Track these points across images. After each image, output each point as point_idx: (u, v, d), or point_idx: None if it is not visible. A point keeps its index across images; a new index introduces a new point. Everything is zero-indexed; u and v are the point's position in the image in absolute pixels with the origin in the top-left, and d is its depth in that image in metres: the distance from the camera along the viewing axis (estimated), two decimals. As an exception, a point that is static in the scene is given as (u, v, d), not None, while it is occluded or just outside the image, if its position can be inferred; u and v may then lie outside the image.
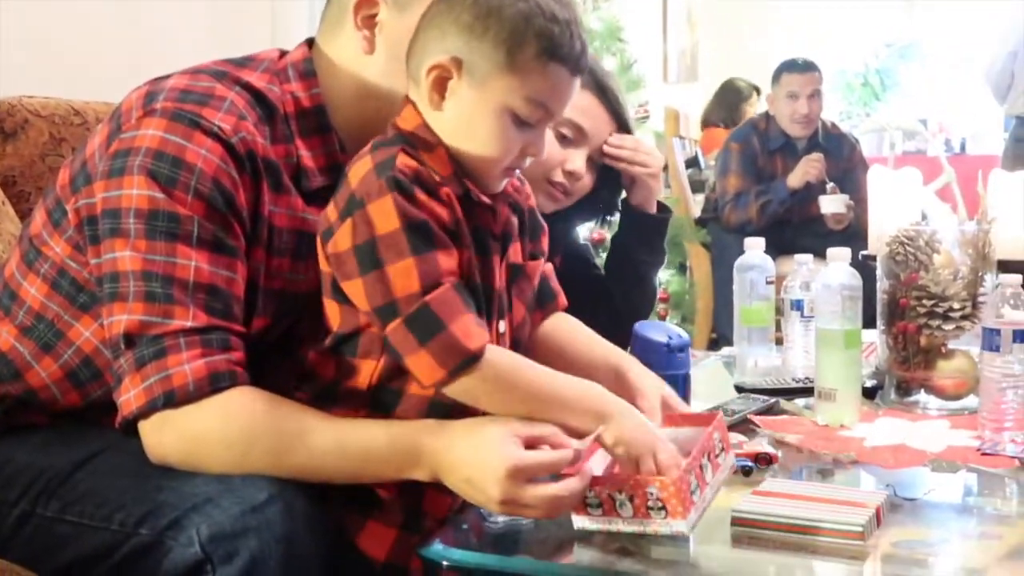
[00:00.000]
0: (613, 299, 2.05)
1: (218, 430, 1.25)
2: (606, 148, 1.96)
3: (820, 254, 1.93)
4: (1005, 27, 5.31)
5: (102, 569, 1.26)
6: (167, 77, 1.39)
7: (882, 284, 1.85)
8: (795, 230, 4.28)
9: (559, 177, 1.92)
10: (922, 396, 1.81)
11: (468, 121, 1.31)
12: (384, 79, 1.41)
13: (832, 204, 4.20)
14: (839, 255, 1.76)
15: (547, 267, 1.54)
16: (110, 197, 1.30)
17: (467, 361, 1.23)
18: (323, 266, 1.33)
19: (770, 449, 1.52)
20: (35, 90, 1.91)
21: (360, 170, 1.29)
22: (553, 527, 1.26)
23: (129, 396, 1.26)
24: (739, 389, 1.93)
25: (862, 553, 1.21)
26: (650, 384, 1.46)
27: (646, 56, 5.15)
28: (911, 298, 1.78)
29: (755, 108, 5.76)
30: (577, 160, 1.93)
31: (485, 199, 1.34)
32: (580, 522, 1.25)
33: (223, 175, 1.31)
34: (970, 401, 1.76)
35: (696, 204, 5.09)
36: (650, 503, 1.20)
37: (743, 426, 1.69)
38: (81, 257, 1.37)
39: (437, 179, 1.28)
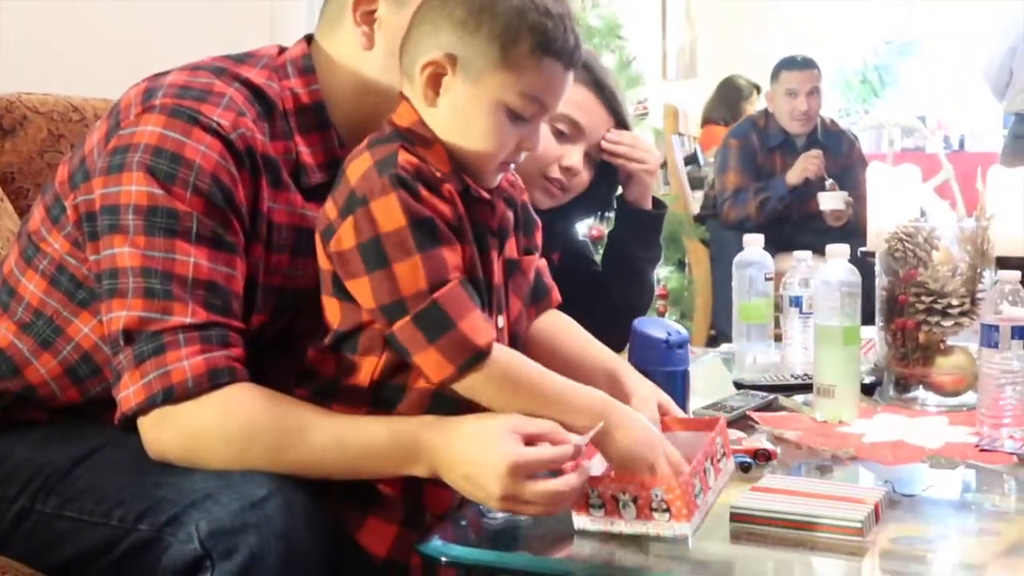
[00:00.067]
0: (611, 296, 2.05)
1: (217, 426, 1.25)
2: (604, 144, 1.96)
3: (819, 251, 1.93)
4: (1004, 24, 5.31)
5: (101, 565, 1.26)
6: (166, 73, 1.39)
7: (881, 280, 1.85)
8: (794, 227, 4.28)
9: (556, 173, 1.92)
10: (921, 392, 1.82)
11: (463, 117, 1.31)
12: (383, 75, 1.41)
13: (831, 201, 4.20)
14: (838, 252, 1.76)
15: (541, 262, 1.54)
16: (109, 193, 1.30)
17: (475, 358, 1.23)
18: (322, 263, 1.32)
19: (769, 445, 1.53)
20: (34, 86, 1.90)
21: (359, 167, 1.28)
22: (552, 523, 1.26)
23: (128, 392, 1.26)
24: (738, 385, 1.93)
25: (861, 549, 1.22)
26: (646, 389, 1.46)
27: (645, 53, 5.15)
28: (910, 294, 1.78)
29: (755, 107, 5.76)
30: (574, 156, 1.93)
31: (484, 194, 1.34)
32: (581, 522, 1.25)
33: (222, 171, 1.31)
34: (968, 397, 1.76)
35: (695, 201, 5.10)
36: (654, 505, 1.20)
37: (742, 422, 1.70)
38: (80, 253, 1.37)
39: (438, 175, 1.28)
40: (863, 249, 2.06)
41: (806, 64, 4.52)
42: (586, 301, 1.85)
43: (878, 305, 1.85)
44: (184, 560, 1.18)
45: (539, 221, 1.53)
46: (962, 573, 1.23)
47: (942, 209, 2.11)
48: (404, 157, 1.27)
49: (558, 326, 1.55)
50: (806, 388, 1.83)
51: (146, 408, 1.25)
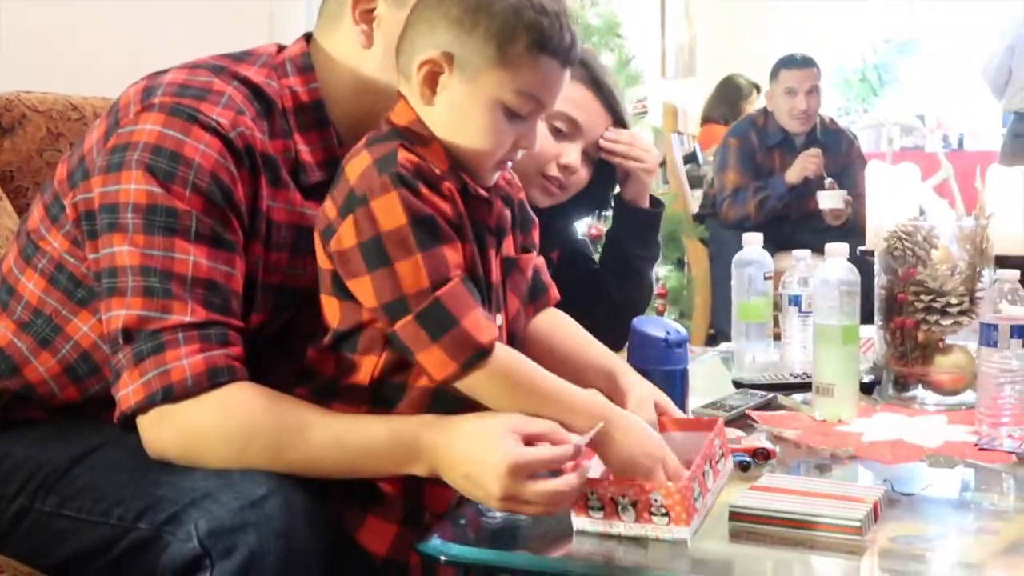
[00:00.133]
0: (610, 294, 2.04)
1: (216, 425, 1.25)
2: (602, 142, 1.96)
3: (818, 250, 1.93)
4: (1003, 23, 5.31)
5: (100, 564, 1.26)
6: (165, 72, 1.39)
7: (880, 279, 1.85)
8: (793, 226, 4.28)
9: (553, 171, 1.91)
10: (920, 391, 1.82)
11: (460, 115, 1.31)
12: (382, 73, 1.41)
13: (830, 200, 4.20)
14: (837, 251, 1.76)
15: (539, 260, 1.54)
16: (108, 192, 1.30)
17: (478, 355, 1.23)
18: (321, 263, 1.32)
19: (768, 444, 1.53)
20: (33, 85, 1.90)
21: (358, 166, 1.28)
22: (551, 522, 1.26)
23: (127, 391, 1.26)
24: (737, 384, 1.93)
25: (859, 548, 1.22)
26: (643, 390, 1.46)
27: (644, 52, 5.15)
28: (909, 293, 1.78)
29: (754, 106, 5.76)
30: (572, 154, 1.92)
31: (482, 193, 1.34)
32: (580, 523, 1.25)
33: (221, 170, 1.30)
34: (967, 396, 1.76)
35: (694, 200, 5.10)
36: (653, 509, 1.21)
37: (741, 421, 1.70)
38: (79, 252, 1.37)
39: (438, 173, 1.28)
40: (862, 248, 2.06)
41: (805, 63, 4.52)
42: (585, 300, 1.84)
43: (877, 304, 1.85)
44: (183, 559, 1.18)
45: (536, 219, 1.53)
46: (961, 572, 1.23)
47: (941, 208, 2.11)
48: (404, 155, 1.27)
49: (556, 324, 1.55)
50: (805, 387, 1.83)
51: (145, 407, 1.25)
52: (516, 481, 1.18)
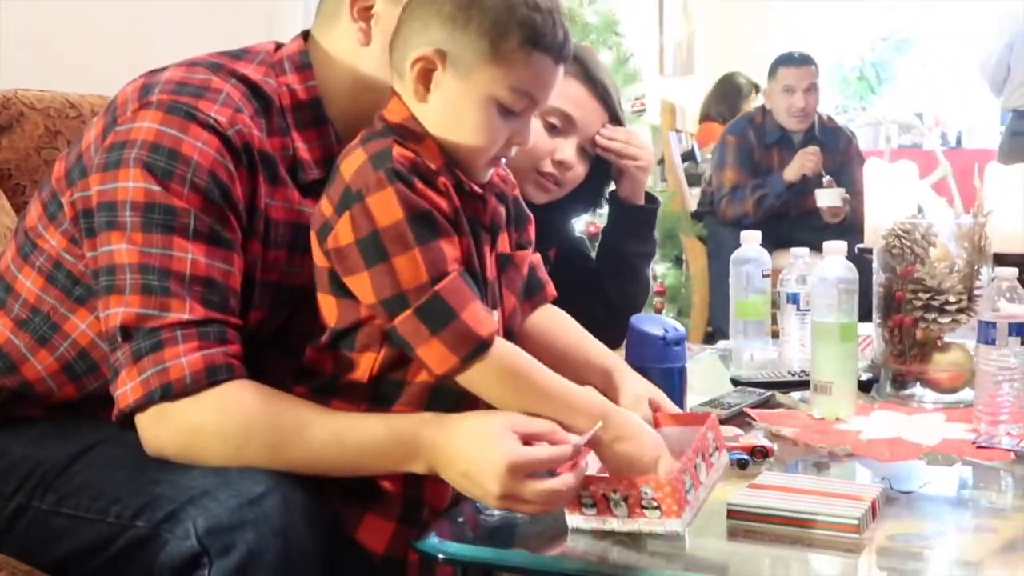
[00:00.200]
0: (607, 292, 2.04)
1: (215, 423, 1.25)
2: (598, 139, 1.95)
3: (816, 247, 1.93)
4: (1002, 20, 5.31)
5: (98, 562, 1.26)
6: (163, 70, 1.39)
7: (878, 277, 1.85)
8: (791, 224, 4.28)
9: (549, 167, 1.91)
10: (918, 389, 1.82)
11: (454, 112, 1.31)
12: (380, 71, 1.40)
13: (828, 197, 4.20)
14: (835, 248, 1.76)
15: (535, 257, 1.54)
16: (106, 190, 1.30)
17: (479, 348, 1.24)
18: (318, 261, 1.32)
19: (766, 442, 1.53)
20: (31, 83, 1.90)
21: (353, 163, 1.28)
22: (548, 520, 1.26)
23: (126, 389, 1.26)
24: (735, 382, 1.93)
25: (858, 546, 1.22)
26: (639, 387, 1.46)
27: (642, 49, 5.14)
28: (907, 291, 1.78)
29: (753, 106, 5.75)
30: (567, 150, 1.92)
31: (477, 189, 1.34)
32: (574, 521, 1.25)
33: (219, 167, 1.30)
34: (966, 394, 1.76)
35: (692, 198, 5.09)
36: (644, 502, 1.20)
37: (739, 419, 1.70)
38: (77, 250, 1.37)
39: (433, 168, 1.28)
40: (860, 246, 2.06)
41: (803, 60, 4.52)
42: (583, 297, 1.84)
43: (875, 302, 1.86)
44: (181, 557, 1.18)
45: (531, 216, 1.53)
46: (959, 570, 1.24)
47: (939, 206, 2.12)
48: (399, 151, 1.27)
49: (552, 321, 1.55)
50: (803, 385, 1.84)
51: (144, 405, 1.25)
52: (514, 480, 1.18)
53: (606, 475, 1.26)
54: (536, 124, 1.79)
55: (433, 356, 1.24)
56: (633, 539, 1.23)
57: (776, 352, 2.11)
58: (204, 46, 1.48)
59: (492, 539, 1.29)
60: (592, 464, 1.29)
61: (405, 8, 1.33)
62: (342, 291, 1.30)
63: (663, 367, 1.59)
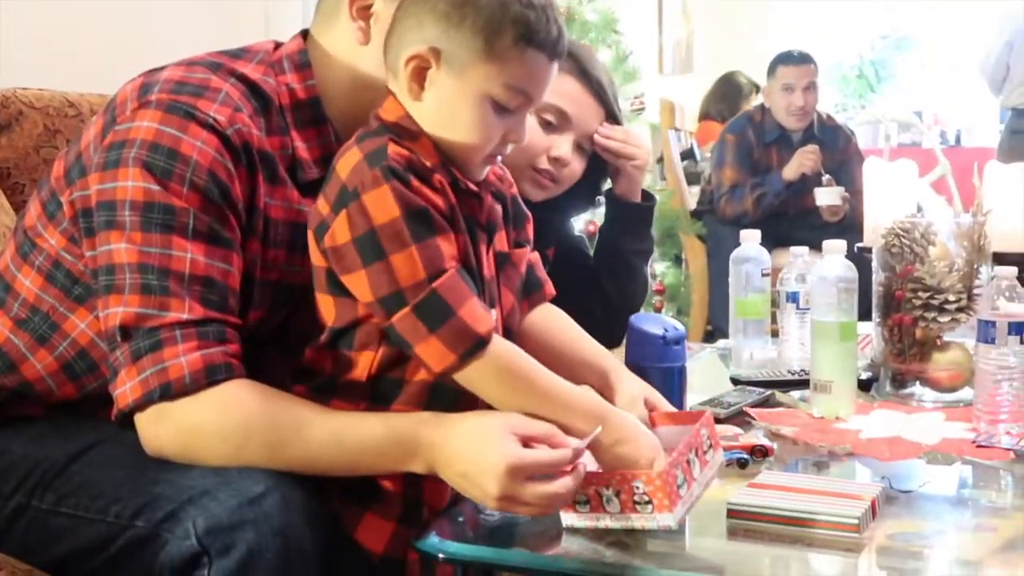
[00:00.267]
0: (606, 290, 2.04)
1: (214, 422, 1.25)
2: (596, 138, 1.95)
3: (816, 246, 1.93)
4: (1001, 19, 5.31)
5: (98, 562, 1.26)
6: (162, 69, 1.39)
7: (878, 276, 1.85)
8: (791, 222, 4.28)
9: (544, 164, 1.90)
10: (917, 388, 1.82)
11: (449, 110, 1.31)
12: (379, 70, 1.40)
13: (828, 196, 4.19)
14: (835, 247, 1.76)
15: (533, 256, 1.54)
16: (105, 189, 1.30)
17: (477, 346, 1.24)
18: (315, 261, 1.32)
19: (766, 441, 1.53)
20: (30, 82, 1.90)
21: (349, 161, 1.28)
22: (548, 520, 1.26)
23: (125, 388, 1.26)
24: (735, 381, 1.93)
25: (857, 545, 1.22)
26: (635, 387, 1.46)
27: (641, 48, 5.13)
28: (907, 290, 1.78)
29: (753, 105, 5.75)
30: (563, 146, 1.91)
31: (472, 187, 1.34)
32: (568, 519, 1.25)
33: (218, 167, 1.30)
34: (965, 393, 1.76)
35: (692, 196, 5.09)
36: (636, 497, 1.20)
37: (739, 418, 1.70)
38: (76, 249, 1.36)
39: (428, 166, 1.28)
40: (860, 245, 2.06)
41: (803, 59, 4.52)
42: (582, 296, 1.84)
43: (875, 301, 1.86)
44: (181, 557, 1.18)
45: (530, 214, 1.53)
46: (959, 569, 1.23)
47: (939, 204, 2.12)
48: (394, 149, 1.27)
49: (550, 320, 1.55)
50: (803, 384, 1.84)
51: (143, 404, 1.25)
52: (513, 482, 1.18)
53: (598, 471, 1.26)
54: (531, 121, 1.79)
55: (431, 354, 1.24)
56: (633, 539, 1.23)
57: (776, 351, 2.11)
58: (202, 45, 1.48)
59: (492, 539, 1.29)
60: (589, 464, 1.28)
61: (400, 6, 1.33)
62: (340, 290, 1.30)
63: (663, 366, 1.59)
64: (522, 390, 1.27)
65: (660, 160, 5.21)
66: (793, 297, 2.07)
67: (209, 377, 1.25)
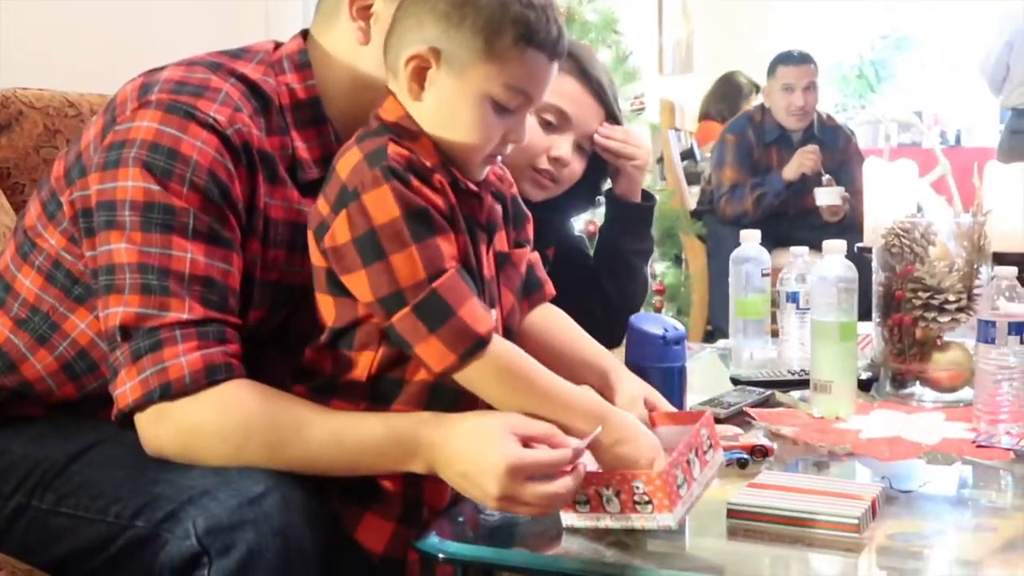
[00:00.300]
0: (606, 290, 2.04)
1: (214, 422, 1.25)
2: (596, 139, 1.95)
3: (816, 246, 1.93)
4: (1001, 19, 5.31)
5: (98, 562, 1.26)
6: (162, 69, 1.39)
7: (878, 276, 1.85)
8: (791, 222, 4.28)
9: (544, 164, 1.90)
10: (917, 388, 1.82)
11: (449, 110, 1.31)
12: (379, 70, 1.40)
13: (828, 196, 4.19)
14: (835, 247, 1.76)
15: (533, 256, 1.54)
16: (105, 189, 1.30)
17: (477, 346, 1.23)
18: (315, 261, 1.32)
19: (766, 441, 1.53)
20: (29, 82, 1.90)
21: (349, 161, 1.28)
22: (548, 520, 1.26)
23: (125, 388, 1.26)
24: (735, 381, 1.93)
25: (857, 545, 1.22)
26: (634, 387, 1.46)
27: (641, 48, 5.13)
28: (907, 290, 1.78)
29: (753, 105, 5.75)
30: (562, 146, 1.91)
31: (472, 187, 1.34)
32: (568, 519, 1.25)
33: (218, 167, 1.30)
34: (965, 393, 1.76)
35: (692, 196, 5.09)
36: (636, 497, 1.20)
37: (739, 418, 1.70)
38: (76, 249, 1.36)
39: (428, 166, 1.28)
40: (860, 245, 2.06)
41: (803, 59, 4.52)
42: (582, 296, 1.84)
43: (875, 301, 1.86)
44: (181, 557, 1.18)
45: (530, 214, 1.53)
46: (959, 569, 1.23)
47: (939, 204, 2.12)
48: (394, 149, 1.27)
49: (550, 320, 1.55)
50: (803, 384, 1.83)
51: (143, 404, 1.25)
52: (513, 482, 1.18)
53: (598, 471, 1.26)
54: (531, 121, 1.79)
55: (431, 354, 1.24)
56: (633, 539, 1.23)
57: (776, 351, 2.11)
58: (203, 45, 1.48)
59: (492, 539, 1.29)
60: (589, 464, 1.28)
61: (400, 6, 1.33)
62: (339, 290, 1.30)
63: (663, 366, 1.59)
64: (522, 390, 1.27)
65: (660, 160, 5.20)
66: (793, 297, 2.07)
67: (209, 377, 1.25)
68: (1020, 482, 1.49)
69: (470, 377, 1.26)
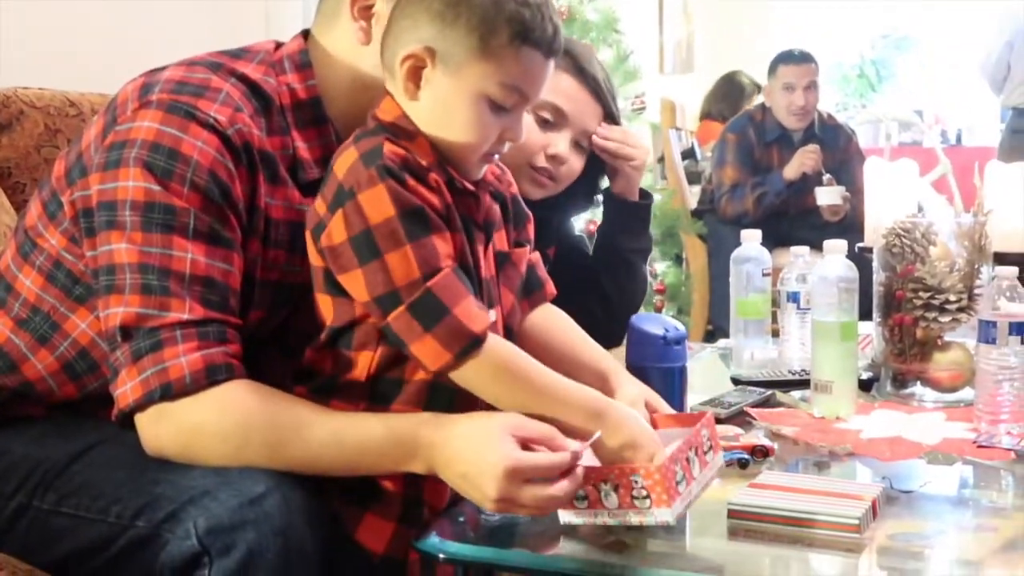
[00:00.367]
0: (604, 288, 2.04)
1: (214, 423, 1.25)
2: (594, 139, 1.95)
3: (816, 246, 1.93)
4: (1001, 18, 5.31)
5: (99, 562, 1.26)
6: (162, 69, 1.39)
7: (878, 276, 1.85)
8: (791, 222, 4.28)
9: (542, 162, 1.90)
10: (918, 388, 1.82)
11: (445, 109, 1.31)
12: (380, 70, 1.40)
13: (828, 196, 4.19)
14: (835, 247, 1.76)
15: (534, 256, 1.54)
16: (106, 189, 1.30)
17: (472, 344, 1.23)
18: (313, 261, 1.32)
19: (766, 441, 1.53)
20: (30, 81, 1.90)
21: (346, 161, 1.29)
22: (549, 521, 1.26)
23: (126, 389, 1.26)
24: (735, 381, 1.93)
25: (858, 546, 1.22)
26: (634, 390, 1.46)
27: (642, 47, 5.13)
28: (907, 290, 1.78)
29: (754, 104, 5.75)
30: (560, 144, 1.91)
31: (469, 186, 1.34)
32: (566, 516, 1.25)
33: (219, 167, 1.30)
34: (966, 393, 1.76)
35: (692, 196, 5.09)
36: (635, 492, 1.20)
37: (739, 418, 1.70)
38: (77, 249, 1.36)
39: (424, 164, 1.28)
40: (860, 244, 2.06)
41: (803, 58, 4.51)
42: (582, 296, 1.84)
43: (875, 301, 1.85)
44: (182, 557, 1.18)
45: (531, 214, 1.53)
46: (959, 569, 1.23)
47: (939, 204, 2.11)
48: (390, 148, 1.27)
49: (551, 321, 1.55)
50: (803, 384, 1.83)
51: (144, 405, 1.25)
52: (512, 484, 1.18)
53: (596, 466, 1.25)
54: (528, 119, 1.79)
55: (426, 353, 1.24)
56: (633, 539, 1.23)
57: (776, 351, 2.11)
58: (203, 45, 1.48)
59: (493, 539, 1.29)
60: (588, 458, 1.28)
61: (396, 6, 1.33)
62: (337, 290, 1.30)
63: (663, 366, 1.59)
64: (519, 388, 1.27)
65: (661, 159, 5.20)
66: (794, 297, 2.07)
67: (209, 377, 1.25)
68: (1021, 482, 1.48)
69: (466, 376, 1.26)
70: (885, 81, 8.53)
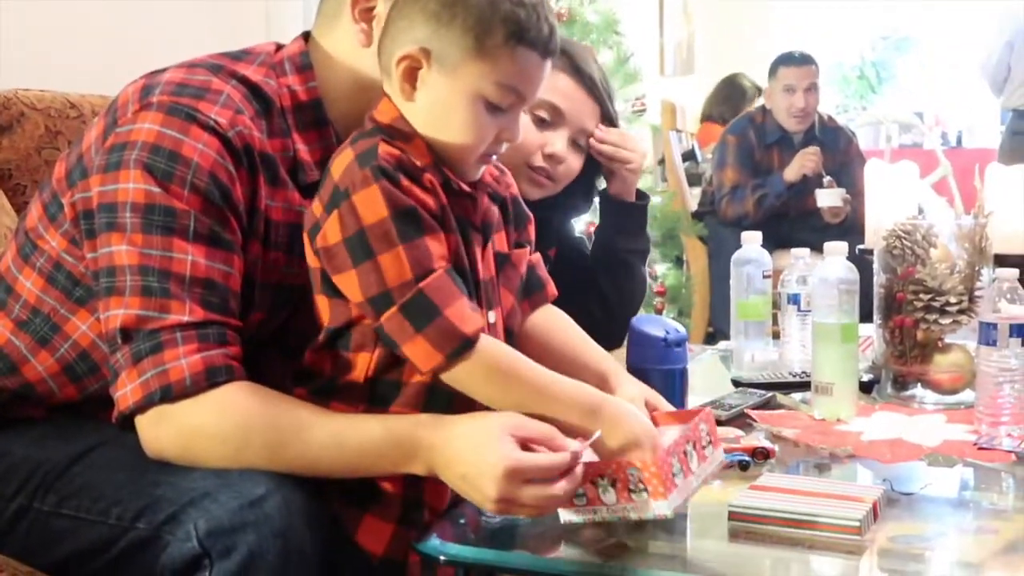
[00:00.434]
0: (603, 289, 2.04)
1: (214, 424, 1.25)
2: (591, 142, 1.95)
3: (817, 248, 1.93)
4: (1002, 19, 5.31)
5: (99, 563, 1.26)
6: (163, 71, 1.39)
7: (879, 278, 1.85)
8: (792, 224, 4.28)
9: (539, 161, 1.89)
10: (919, 390, 1.82)
11: (441, 110, 1.31)
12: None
13: (829, 198, 4.19)
14: (836, 249, 1.76)
15: (535, 257, 1.54)
16: (106, 191, 1.30)
17: (463, 345, 1.23)
18: (311, 262, 1.32)
19: (767, 443, 1.53)
20: (31, 83, 1.90)
21: (342, 162, 1.29)
22: (549, 521, 1.26)
23: (126, 391, 1.26)
24: (736, 383, 1.93)
25: (859, 548, 1.22)
26: (634, 390, 1.46)
27: (642, 49, 5.14)
28: (908, 292, 1.78)
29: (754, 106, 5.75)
30: (557, 143, 1.90)
31: (465, 187, 1.34)
32: (566, 515, 1.25)
33: (220, 169, 1.30)
34: (967, 395, 1.76)
35: (693, 198, 5.09)
36: (631, 485, 1.20)
37: (740, 420, 1.70)
38: (77, 251, 1.36)
39: (419, 165, 1.28)
40: (861, 246, 2.06)
41: (804, 60, 4.51)
42: (582, 297, 1.84)
43: (876, 303, 1.85)
44: (183, 559, 1.18)
45: (531, 215, 1.53)
46: (960, 571, 1.23)
47: (940, 206, 2.12)
48: (384, 149, 1.27)
49: (551, 323, 1.54)
50: (804, 386, 1.83)
51: (144, 406, 1.25)
52: (511, 485, 1.18)
53: (593, 462, 1.25)
54: (525, 119, 1.78)
55: (418, 354, 1.24)
56: (634, 540, 1.23)
57: (777, 353, 2.11)
58: (203, 47, 1.48)
59: (494, 541, 1.29)
60: (588, 455, 1.28)
61: (392, 7, 1.33)
62: (334, 291, 1.30)
63: (664, 368, 1.59)
64: (512, 388, 1.27)
65: (661, 161, 5.21)
66: (794, 299, 2.07)
67: (209, 379, 1.25)
68: (1021, 484, 1.48)
69: (458, 377, 1.26)
70: (885, 83, 8.53)
